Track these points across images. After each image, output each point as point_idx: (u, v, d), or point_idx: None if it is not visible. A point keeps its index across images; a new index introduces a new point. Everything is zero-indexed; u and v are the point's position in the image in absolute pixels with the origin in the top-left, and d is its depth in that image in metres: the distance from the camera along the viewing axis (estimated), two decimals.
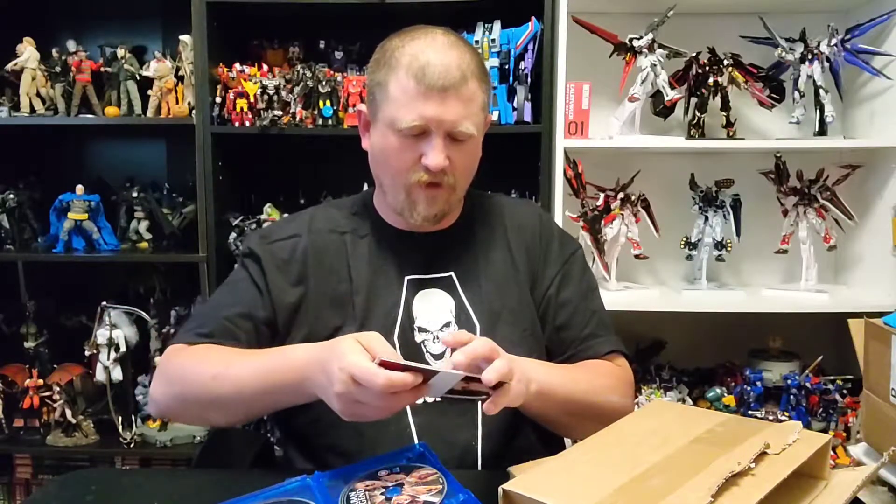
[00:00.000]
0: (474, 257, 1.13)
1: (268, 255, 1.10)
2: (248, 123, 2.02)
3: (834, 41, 1.98)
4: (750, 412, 1.93)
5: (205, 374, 0.98)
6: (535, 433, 1.08)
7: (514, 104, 2.02)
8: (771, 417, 1.92)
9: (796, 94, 2.03)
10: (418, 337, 1.07)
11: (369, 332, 0.86)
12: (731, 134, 2.07)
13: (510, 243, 1.15)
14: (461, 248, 1.13)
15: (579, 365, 1.10)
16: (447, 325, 1.08)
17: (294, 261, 1.09)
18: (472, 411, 1.04)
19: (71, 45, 2.14)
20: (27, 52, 2.09)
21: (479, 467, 1.02)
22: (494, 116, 2.00)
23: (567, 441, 1.17)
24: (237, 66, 2.04)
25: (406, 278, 1.09)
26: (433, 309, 1.08)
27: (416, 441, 1.00)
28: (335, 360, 0.81)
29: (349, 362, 0.79)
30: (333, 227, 1.14)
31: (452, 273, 1.11)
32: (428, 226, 1.09)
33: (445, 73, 0.99)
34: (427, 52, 1.00)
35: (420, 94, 0.99)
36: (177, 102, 2.09)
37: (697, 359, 2.19)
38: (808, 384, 1.94)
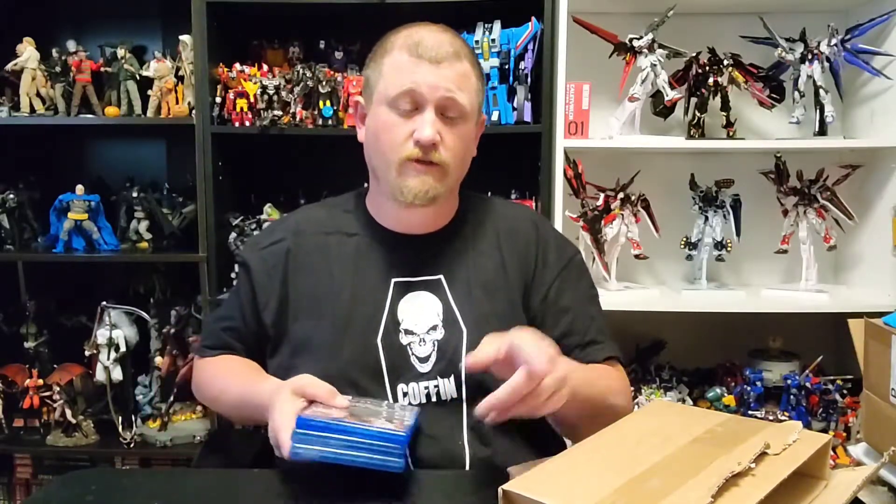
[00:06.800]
0: (465, 261, 1.12)
1: (258, 261, 1.14)
2: (248, 123, 2.02)
3: (834, 41, 1.98)
4: (750, 412, 1.93)
5: (210, 394, 1.18)
6: (521, 433, 1.06)
7: (514, 104, 2.02)
8: (771, 417, 1.91)
9: (796, 94, 2.02)
10: (404, 339, 1.06)
11: (302, 376, 0.93)
12: (731, 134, 2.07)
13: (502, 248, 1.14)
14: (452, 251, 1.12)
15: (590, 367, 1.09)
16: (434, 328, 1.07)
17: (279, 264, 1.12)
18: (459, 410, 1.04)
19: (71, 45, 2.13)
20: (27, 52, 2.08)
21: (467, 467, 1.01)
22: (494, 116, 2.00)
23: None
24: (237, 66, 2.04)
25: (393, 280, 1.09)
26: (419, 311, 1.08)
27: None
28: (269, 417, 0.90)
29: (274, 422, 0.88)
30: (319, 228, 1.15)
31: (442, 276, 1.10)
32: (419, 205, 1.06)
33: (438, 47, 1.03)
34: (421, 31, 1.05)
35: (413, 64, 1.02)
36: (177, 102, 2.09)
37: (697, 359, 2.19)
38: (808, 384, 1.94)
